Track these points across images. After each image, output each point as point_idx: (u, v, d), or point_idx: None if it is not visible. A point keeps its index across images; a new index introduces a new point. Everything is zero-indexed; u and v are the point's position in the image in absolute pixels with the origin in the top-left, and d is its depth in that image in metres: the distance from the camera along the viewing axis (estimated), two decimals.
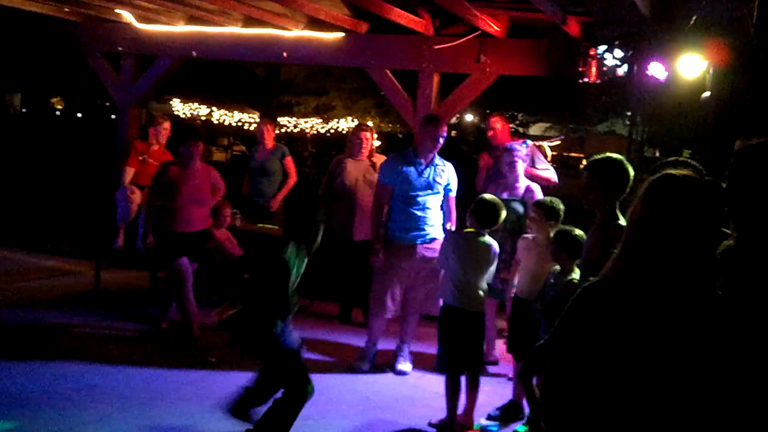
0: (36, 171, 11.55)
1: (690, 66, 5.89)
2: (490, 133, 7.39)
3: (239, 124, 27.28)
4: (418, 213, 6.16)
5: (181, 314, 6.45)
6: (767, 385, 2.27)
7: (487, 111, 20.37)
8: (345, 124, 24.35)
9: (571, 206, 5.53)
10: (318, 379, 5.29)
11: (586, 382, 2.30)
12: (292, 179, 8.61)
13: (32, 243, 9.88)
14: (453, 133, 24.91)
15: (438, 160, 6.24)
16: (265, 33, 8.71)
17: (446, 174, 6.26)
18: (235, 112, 26.91)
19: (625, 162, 4.17)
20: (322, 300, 7.90)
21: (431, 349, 6.01)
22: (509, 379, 5.91)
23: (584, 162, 18.79)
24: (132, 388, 5.46)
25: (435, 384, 5.70)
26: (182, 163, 6.49)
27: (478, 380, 5.27)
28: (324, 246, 4.88)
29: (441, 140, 6.16)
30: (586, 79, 6.80)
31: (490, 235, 5.28)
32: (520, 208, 6.22)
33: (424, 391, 5.88)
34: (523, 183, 6.35)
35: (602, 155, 4.26)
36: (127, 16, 9.08)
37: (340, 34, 8.37)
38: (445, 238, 5.53)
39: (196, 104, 26.51)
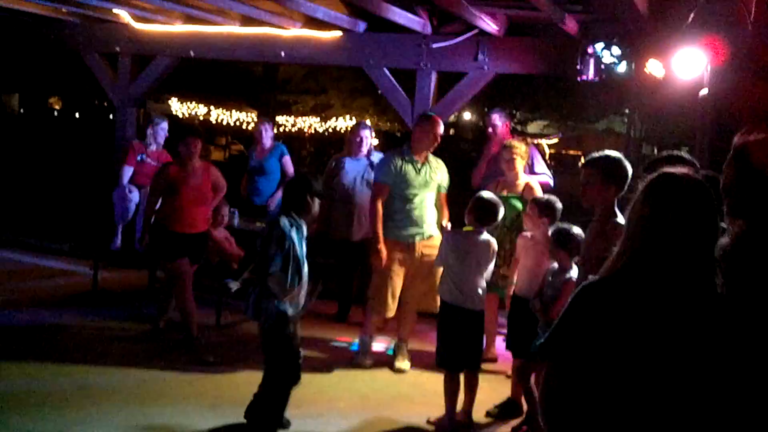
0: (34, 171, 11.55)
1: (688, 63, 5.88)
2: (490, 130, 7.39)
3: (237, 123, 27.29)
4: (416, 211, 6.16)
5: (181, 314, 6.44)
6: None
7: (485, 109, 20.40)
8: (343, 123, 24.37)
9: (569, 204, 5.53)
10: (316, 378, 5.32)
11: (585, 381, 2.29)
12: None
13: (31, 243, 9.86)
14: (451, 131, 24.94)
15: (431, 157, 6.27)
16: (262, 32, 8.70)
17: (440, 171, 6.32)
18: (233, 112, 26.93)
19: (624, 159, 4.17)
20: (320, 299, 7.88)
21: (430, 347, 6.01)
22: (508, 376, 5.91)
23: (582, 160, 18.83)
24: (130, 387, 5.46)
25: (433, 382, 5.69)
26: (182, 163, 6.47)
27: (477, 378, 5.27)
28: (322, 245, 4.91)
29: (438, 138, 6.19)
30: (584, 77, 6.80)
31: (489, 233, 5.28)
32: (519, 206, 6.22)
33: (422, 389, 5.88)
34: (522, 180, 6.36)
35: (601, 153, 4.26)
36: (124, 15, 9.07)
37: (338, 33, 8.37)
38: (444, 236, 5.53)
39: (193, 104, 26.52)
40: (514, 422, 5.28)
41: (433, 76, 8.05)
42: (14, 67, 14.73)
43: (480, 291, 5.21)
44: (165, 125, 8.50)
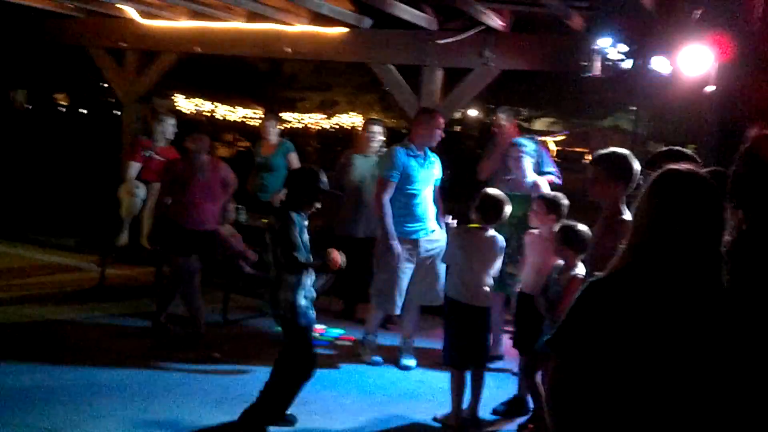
0: (40, 167, 11.55)
1: (694, 60, 5.86)
2: (496, 130, 7.34)
3: (243, 119, 27.28)
4: (420, 206, 6.17)
5: (189, 311, 6.45)
6: None
7: (491, 106, 20.36)
8: (348, 119, 24.34)
9: (576, 201, 5.52)
10: (322, 375, 5.31)
11: (592, 377, 2.29)
12: None
13: (37, 239, 9.88)
14: (458, 128, 24.89)
15: (428, 151, 6.32)
16: (268, 28, 8.70)
17: (438, 165, 6.38)
18: (239, 108, 26.91)
19: (631, 156, 4.16)
20: (326, 295, 7.90)
21: (436, 344, 6.01)
22: (514, 374, 5.91)
23: (587, 157, 18.78)
24: (136, 383, 5.47)
25: (439, 379, 5.70)
26: (189, 159, 6.48)
27: (483, 375, 5.27)
28: (328, 241, 4.91)
29: (441, 134, 6.22)
30: (590, 74, 6.78)
31: (496, 230, 5.28)
32: (526, 204, 6.20)
33: (428, 386, 5.88)
34: (530, 178, 6.34)
35: (608, 149, 4.25)
36: (130, 11, 9.08)
37: (344, 30, 8.36)
38: (450, 233, 5.53)
39: (199, 100, 26.51)
40: (521, 420, 5.28)
41: (439, 73, 8.04)
42: (21, 62, 14.73)
43: (486, 288, 5.20)
44: (172, 121, 8.50)
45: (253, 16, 8.60)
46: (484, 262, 5.20)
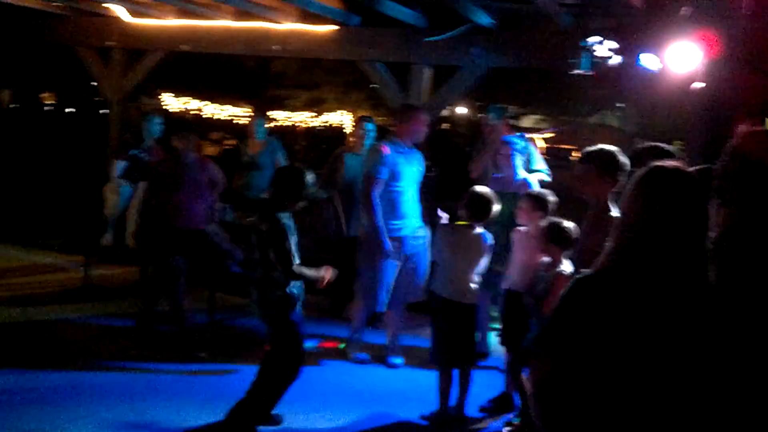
0: (25, 166, 11.50)
1: (682, 57, 5.85)
2: (486, 127, 7.30)
3: (230, 118, 27.20)
4: (407, 204, 6.14)
5: (173, 310, 6.41)
6: (763, 378, 2.25)
7: (480, 104, 20.36)
8: (337, 117, 24.30)
9: (563, 198, 5.50)
10: (309, 373, 5.28)
11: (578, 375, 2.27)
12: None
13: (22, 238, 9.81)
14: (446, 125, 24.89)
15: (413, 149, 6.30)
16: (256, 26, 8.68)
17: (421, 161, 6.35)
18: (227, 106, 26.84)
19: (619, 153, 4.15)
20: (314, 294, 7.86)
21: (423, 342, 5.99)
22: (501, 371, 5.90)
23: (574, 154, 18.82)
24: (121, 383, 5.43)
25: (427, 377, 5.68)
26: (177, 157, 6.44)
27: (470, 373, 5.26)
28: (316, 240, 4.89)
29: (426, 130, 6.22)
30: (577, 71, 6.76)
31: (485, 228, 5.26)
32: (515, 202, 6.18)
33: (416, 384, 5.86)
34: (520, 176, 6.33)
35: (596, 146, 4.25)
36: (116, 10, 9.03)
37: (332, 27, 8.33)
38: (438, 230, 5.50)
39: (186, 98, 26.42)
40: (507, 417, 5.27)
41: (427, 70, 8.03)
42: (6, 62, 14.67)
43: (473, 285, 5.19)
44: (159, 120, 8.45)
45: (241, 14, 8.57)
46: (470, 259, 5.18)
